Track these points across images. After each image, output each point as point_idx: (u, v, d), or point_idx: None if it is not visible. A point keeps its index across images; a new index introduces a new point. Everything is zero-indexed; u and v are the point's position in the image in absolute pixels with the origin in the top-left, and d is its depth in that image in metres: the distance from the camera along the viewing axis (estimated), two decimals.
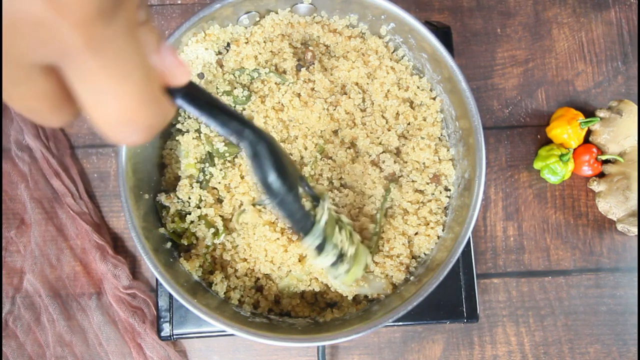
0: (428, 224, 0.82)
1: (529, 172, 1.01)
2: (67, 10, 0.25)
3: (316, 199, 0.66)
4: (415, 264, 0.82)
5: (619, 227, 0.96)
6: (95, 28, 0.26)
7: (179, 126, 0.84)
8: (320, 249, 0.65)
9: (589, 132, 1.00)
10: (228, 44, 0.86)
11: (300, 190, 0.60)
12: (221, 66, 0.85)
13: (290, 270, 0.80)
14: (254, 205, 0.79)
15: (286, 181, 0.49)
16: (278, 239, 0.78)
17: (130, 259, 0.97)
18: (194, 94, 0.41)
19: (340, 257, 0.68)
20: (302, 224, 0.61)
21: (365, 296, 0.82)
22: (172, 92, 0.39)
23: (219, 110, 0.43)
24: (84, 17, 0.26)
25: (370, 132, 0.84)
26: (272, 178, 0.48)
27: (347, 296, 0.81)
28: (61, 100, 0.31)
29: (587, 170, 0.98)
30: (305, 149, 0.82)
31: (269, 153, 0.47)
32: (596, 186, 0.98)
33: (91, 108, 0.31)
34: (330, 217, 0.66)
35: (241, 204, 0.81)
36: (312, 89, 0.86)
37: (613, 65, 1.05)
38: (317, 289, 0.81)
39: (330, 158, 0.83)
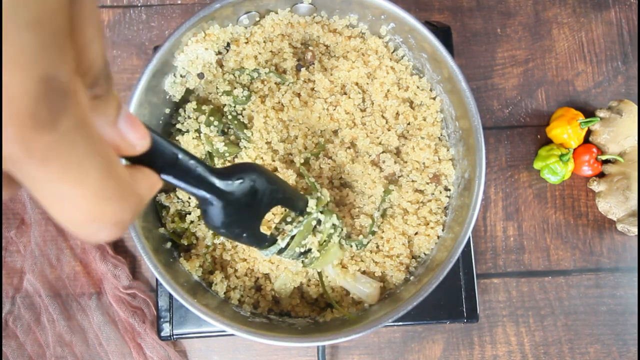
0: (428, 224, 0.82)
1: (529, 172, 1.01)
2: (4, 121, 0.22)
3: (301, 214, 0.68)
4: (415, 264, 0.82)
5: (619, 227, 0.96)
6: (33, 139, 0.23)
7: (178, 126, 0.84)
8: (279, 253, 0.67)
9: (589, 132, 1.00)
10: (228, 44, 0.86)
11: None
12: (221, 66, 0.85)
13: (286, 267, 0.80)
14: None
15: (232, 231, 0.53)
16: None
17: (130, 259, 0.97)
18: (175, 164, 0.41)
19: (304, 253, 0.69)
20: (257, 245, 0.62)
21: None
22: (155, 165, 0.39)
23: (192, 178, 0.44)
24: (19, 129, 0.23)
25: (370, 132, 0.84)
26: (221, 230, 0.52)
27: (346, 295, 0.81)
28: (7, 183, 0.28)
29: (587, 170, 0.98)
30: (305, 148, 0.82)
31: (221, 208, 0.49)
32: (596, 186, 0.98)
33: (50, 211, 0.28)
34: (300, 232, 0.67)
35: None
36: (312, 89, 0.86)
37: (613, 65, 1.05)
38: (313, 280, 0.81)
39: (330, 158, 0.83)
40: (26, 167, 0.24)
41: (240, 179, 0.50)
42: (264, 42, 0.86)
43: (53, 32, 0.23)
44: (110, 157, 0.29)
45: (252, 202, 0.54)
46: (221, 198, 0.48)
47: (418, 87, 0.87)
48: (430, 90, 0.87)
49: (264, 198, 0.56)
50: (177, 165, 0.42)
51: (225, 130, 0.83)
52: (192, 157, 0.43)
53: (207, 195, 0.47)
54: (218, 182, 0.47)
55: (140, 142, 0.34)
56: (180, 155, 0.42)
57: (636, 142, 0.96)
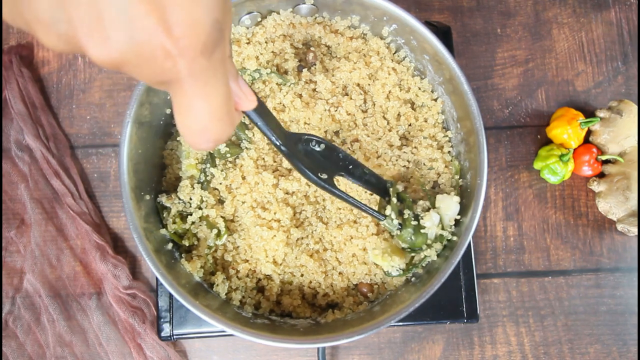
0: None
1: (529, 172, 1.01)
2: (184, 47, 0.33)
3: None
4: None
5: (619, 227, 0.96)
6: (199, 61, 0.35)
7: None
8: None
9: (589, 132, 1.00)
10: None
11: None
12: None
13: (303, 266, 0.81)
14: None
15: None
16: (274, 236, 0.79)
17: (130, 259, 0.97)
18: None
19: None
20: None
21: (366, 296, 0.82)
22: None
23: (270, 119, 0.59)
24: (194, 54, 0.34)
25: (371, 133, 0.84)
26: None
27: (348, 296, 0.81)
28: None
29: (587, 171, 0.98)
30: None
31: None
32: (596, 186, 0.98)
33: (181, 119, 0.40)
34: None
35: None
36: (314, 90, 0.86)
37: (613, 65, 1.05)
38: (314, 282, 0.81)
39: None
40: (182, 82, 0.36)
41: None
42: (266, 42, 0.86)
43: None
44: (230, 92, 0.41)
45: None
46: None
47: (419, 89, 0.87)
48: (432, 91, 0.87)
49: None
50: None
51: None
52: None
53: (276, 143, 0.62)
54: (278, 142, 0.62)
55: (251, 101, 0.49)
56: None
57: (636, 142, 0.96)
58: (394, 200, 0.76)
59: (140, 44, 0.32)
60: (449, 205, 0.78)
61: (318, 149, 0.72)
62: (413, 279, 0.80)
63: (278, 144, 0.62)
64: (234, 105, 0.46)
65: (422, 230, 0.76)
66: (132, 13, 0.31)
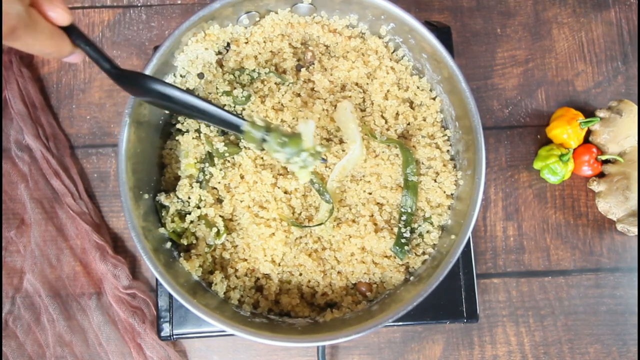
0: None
1: (529, 172, 1.01)
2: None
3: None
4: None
5: (619, 227, 0.96)
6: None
7: (178, 126, 0.84)
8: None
9: (588, 132, 1.00)
10: (228, 44, 0.86)
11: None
12: (221, 66, 0.85)
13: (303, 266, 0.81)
14: None
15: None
16: (273, 234, 0.79)
17: (130, 259, 0.97)
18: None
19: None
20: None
21: (365, 296, 0.82)
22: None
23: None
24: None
25: (370, 132, 0.84)
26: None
27: (346, 295, 0.81)
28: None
29: (587, 170, 0.98)
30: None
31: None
32: (596, 186, 0.98)
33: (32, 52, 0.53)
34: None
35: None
36: (312, 89, 0.86)
37: (613, 65, 1.05)
38: (313, 281, 0.81)
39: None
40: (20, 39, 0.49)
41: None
42: (264, 42, 0.86)
43: None
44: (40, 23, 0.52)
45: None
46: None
47: (418, 87, 0.87)
48: (430, 90, 0.87)
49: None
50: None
51: (225, 130, 0.83)
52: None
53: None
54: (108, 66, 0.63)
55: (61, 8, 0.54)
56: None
57: (636, 142, 0.96)
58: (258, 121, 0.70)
59: None
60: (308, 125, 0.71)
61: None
62: (412, 277, 0.80)
63: (108, 67, 0.63)
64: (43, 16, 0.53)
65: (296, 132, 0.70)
66: None
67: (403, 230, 0.81)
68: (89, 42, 0.60)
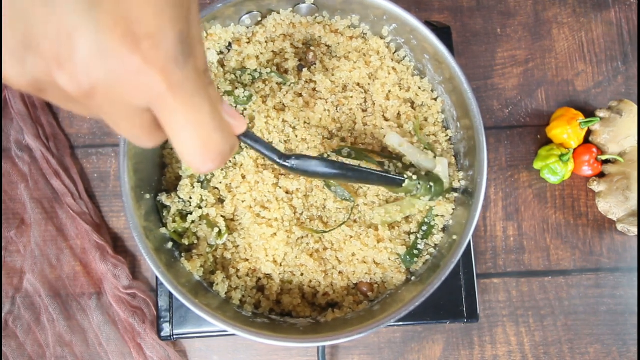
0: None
1: (529, 172, 1.01)
2: (153, 57, 0.33)
3: None
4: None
5: (619, 227, 0.96)
6: (173, 71, 0.34)
7: None
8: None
9: (589, 132, 1.00)
10: (230, 44, 0.86)
11: None
12: (223, 66, 0.85)
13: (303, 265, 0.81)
14: None
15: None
16: (275, 234, 0.79)
17: (130, 259, 0.97)
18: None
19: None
20: None
21: (366, 296, 0.82)
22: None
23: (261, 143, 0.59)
24: (164, 62, 0.34)
25: (371, 132, 0.84)
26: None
27: (347, 295, 0.81)
28: (155, 129, 0.39)
29: (587, 170, 0.98)
30: (307, 149, 0.82)
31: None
32: (596, 186, 0.98)
33: (178, 140, 0.39)
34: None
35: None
36: (314, 89, 0.86)
37: (613, 65, 1.06)
38: (314, 281, 0.81)
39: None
40: (165, 96, 0.35)
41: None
42: (266, 42, 0.86)
43: (183, 7, 0.35)
44: (216, 100, 0.40)
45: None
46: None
47: (419, 88, 0.87)
48: (432, 91, 0.87)
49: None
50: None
51: None
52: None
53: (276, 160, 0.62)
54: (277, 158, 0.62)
55: (241, 124, 0.48)
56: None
57: (636, 142, 0.96)
58: (399, 164, 0.80)
59: (111, 61, 0.32)
60: (443, 164, 0.81)
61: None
62: (413, 278, 0.80)
63: (280, 161, 0.62)
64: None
65: (436, 174, 0.80)
66: (101, 36, 0.31)
67: (419, 242, 0.81)
68: (258, 140, 0.58)
